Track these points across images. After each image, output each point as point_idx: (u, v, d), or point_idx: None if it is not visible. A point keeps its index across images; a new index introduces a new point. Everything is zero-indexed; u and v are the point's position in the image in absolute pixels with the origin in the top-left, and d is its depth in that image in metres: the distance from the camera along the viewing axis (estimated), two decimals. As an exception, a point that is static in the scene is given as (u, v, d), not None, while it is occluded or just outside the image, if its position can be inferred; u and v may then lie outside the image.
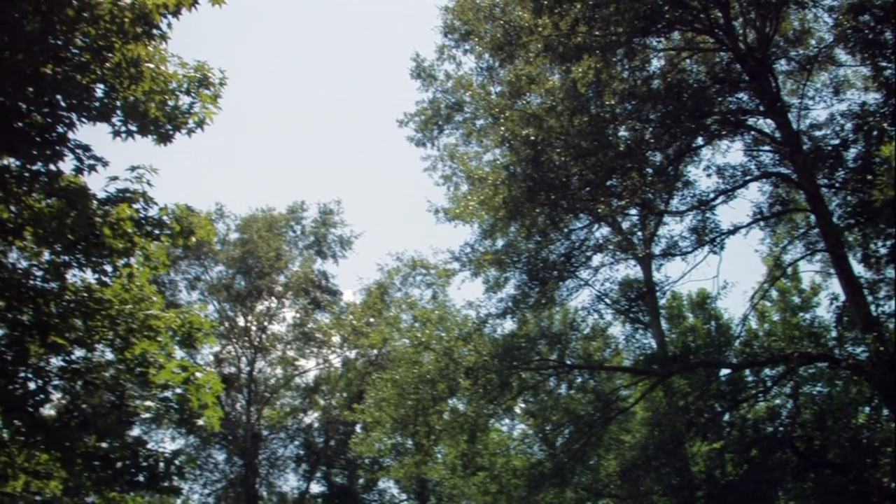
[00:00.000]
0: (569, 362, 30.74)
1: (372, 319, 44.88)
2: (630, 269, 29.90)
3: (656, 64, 25.88)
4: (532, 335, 28.73)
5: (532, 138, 24.33)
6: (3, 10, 12.52)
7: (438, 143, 34.67)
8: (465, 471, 30.50)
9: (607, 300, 27.57)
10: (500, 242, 27.65)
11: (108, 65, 13.98)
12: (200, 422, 16.47)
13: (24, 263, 15.88)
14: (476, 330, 28.28)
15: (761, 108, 23.59)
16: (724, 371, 27.10)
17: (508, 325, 28.61)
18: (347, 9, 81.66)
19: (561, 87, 25.21)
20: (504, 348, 26.73)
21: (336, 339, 47.32)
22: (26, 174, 14.41)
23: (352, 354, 47.65)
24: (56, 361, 15.83)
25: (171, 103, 14.81)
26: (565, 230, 26.02)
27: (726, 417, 27.93)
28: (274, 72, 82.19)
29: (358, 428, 41.51)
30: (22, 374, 15.64)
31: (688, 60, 25.68)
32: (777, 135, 23.78)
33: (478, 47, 30.17)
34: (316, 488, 48.42)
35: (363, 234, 51.53)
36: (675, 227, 51.85)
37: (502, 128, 26.15)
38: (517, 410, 35.37)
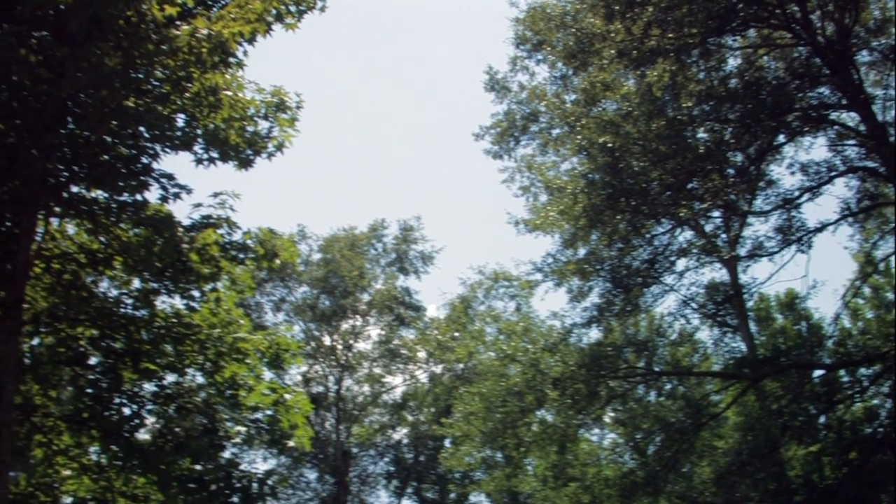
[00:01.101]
0: (657, 369, 30.36)
1: (457, 334, 44.92)
2: (715, 273, 29.40)
3: (733, 63, 25.45)
4: (618, 343, 28.45)
5: (609, 145, 24.16)
6: (86, 48, 12.87)
7: (515, 155, 34.54)
8: (557, 482, 30.29)
9: (693, 304, 27.15)
10: (581, 251, 27.46)
11: (187, 95, 14.25)
12: (291, 442, 16.68)
13: (114, 292, 16.31)
14: (561, 340, 28.10)
15: (844, 102, 23.06)
16: (818, 372, 26.50)
17: (594, 333, 28.41)
18: (417, 25, 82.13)
19: (636, 92, 24.98)
20: (591, 357, 26.52)
21: (422, 354, 47.48)
22: (114, 205, 14.79)
23: (438, 369, 47.77)
24: (149, 387, 16.21)
25: (250, 129, 15.06)
26: (647, 236, 25.74)
27: (822, 420, 27.25)
28: (348, 90, 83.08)
29: (447, 442, 41.53)
30: (117, 401, 16.05)
31: (765, 57, 25.22)
32: (862, 128, 23.22)
33: (550, 57, 30.03)
34: (407, 504, 48.61)
35: (444, 249, 51.62)
36: (759, 228, 50.54)
37: (579, 136, 26.00)
38: (606, 419, 35.06)
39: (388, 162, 79.99)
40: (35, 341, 16.26)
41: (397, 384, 48.56)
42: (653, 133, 23.48)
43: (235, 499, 15.66)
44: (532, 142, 34.25)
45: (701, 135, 24.76)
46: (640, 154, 23.83)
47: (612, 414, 34.34)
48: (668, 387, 33.51)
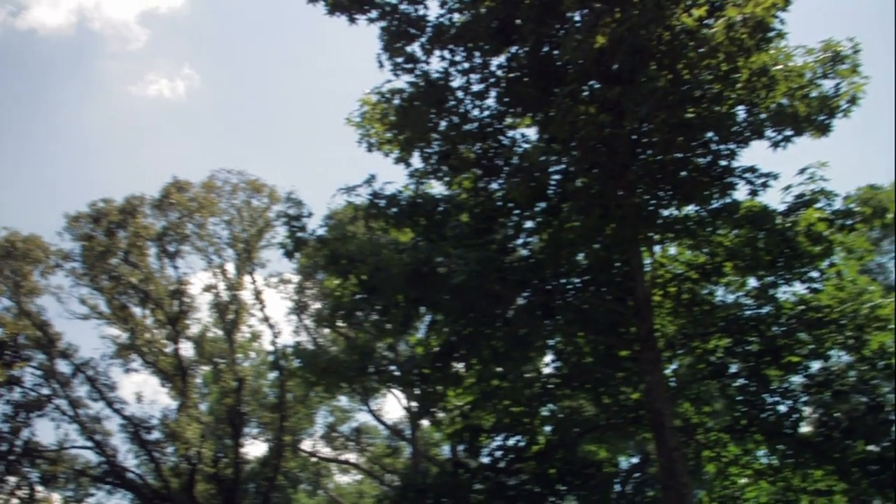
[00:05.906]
0: None
1: None
2: None
3: None
4: None
5: None
6: (634, 81, 13.21)
7: None
8: None
9: None
10: None
11: (738, 85, 14.06)
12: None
13: (732, 297, 16.42)
14: None
15: None
16: None
17: None
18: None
19: None
20: None
21: None
22: (706, 216, 14.99)
23: None
24: (797, 379, 16.01)
25: (813, 94, 14.37)
26: None
27: None
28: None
29: None
30: (769, 401, 16.07)
31: None
32: None
33: None
34: None
35: None
36: None
37: None
38: None
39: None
40: (674, 365, 16.89)
41: None
42: None
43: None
44: None
45: None
46: None
47: None
48: None
